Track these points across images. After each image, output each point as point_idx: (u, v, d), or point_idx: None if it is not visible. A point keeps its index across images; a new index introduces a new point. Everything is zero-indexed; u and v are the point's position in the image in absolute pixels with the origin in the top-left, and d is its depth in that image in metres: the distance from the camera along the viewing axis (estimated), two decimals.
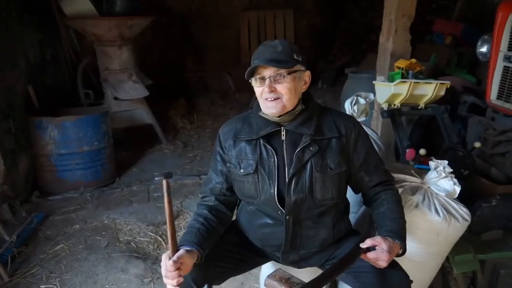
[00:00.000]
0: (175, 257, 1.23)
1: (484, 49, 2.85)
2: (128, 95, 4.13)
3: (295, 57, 1.38)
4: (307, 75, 1.45)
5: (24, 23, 3.66)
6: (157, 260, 2.56)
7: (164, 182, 1.23)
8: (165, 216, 2.92)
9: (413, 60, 2.62)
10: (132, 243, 2.73)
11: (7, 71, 3.28)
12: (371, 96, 2.23)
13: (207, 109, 5.79)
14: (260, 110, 1.46)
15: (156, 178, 3.65)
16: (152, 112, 4.49)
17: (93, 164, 3.52)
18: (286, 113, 1.42)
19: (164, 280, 1.25)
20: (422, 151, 2.36)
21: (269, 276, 1.37)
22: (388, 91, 2.49)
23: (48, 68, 4.09)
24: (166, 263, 1.22)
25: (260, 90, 1.40)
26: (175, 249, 1.26)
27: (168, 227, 1.25)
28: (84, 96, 4.25)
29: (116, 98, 4.12)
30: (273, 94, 1.37)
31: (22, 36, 3.62)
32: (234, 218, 1.67)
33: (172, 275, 1.21)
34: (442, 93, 2.51)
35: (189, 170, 3.96)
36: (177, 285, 1.23)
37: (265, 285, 1.38)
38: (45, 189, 3.44)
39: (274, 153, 1.43)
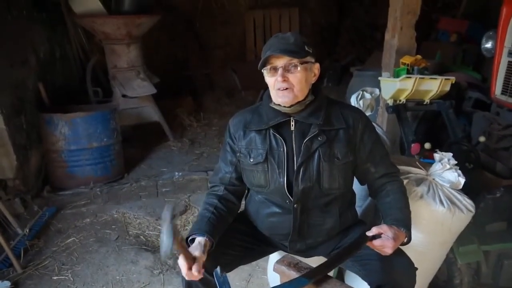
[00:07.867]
0: (197, 267, 1.26)
1: (488, 45, 2.87)
2: (136, 93, 4.17)
3: (306, 48, 1.42)
4: (316, 67, 1.49)
5: (34, 20, 3.73)
6: None
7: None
8: (174, 211, 3.00)
9: (418, 56, 2.64)
10: (142, 237, 2.78)
11: (18, 68, 3.33)
12: (377, 91, 2.26)
13: (213, 107, 5.82)
14: (271, 101, 1.49)
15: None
16: (159, 110, 4.54)
17: (102, 160, 3.57)
18: (297, 103, 1.45)
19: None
20: (427, 145, 2.39)
21: (277, 261, 1.41)
22: (393, 86, 2.51)
23: (58, 66, 4.16)
24: (190, 274, 1.27)
25: (272, 80, 1.43)
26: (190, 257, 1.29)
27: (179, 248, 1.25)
28: (93, 93, 4.30)
29: (124, 96, 4.17)
30: (285, 83, 1.40)
31: (32, 34, 3.68)
32: (242, 208, 1.71)
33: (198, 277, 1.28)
34: (447, 88, 2.52)
35: (196, 166, 4.01)
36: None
37: (274, 270, 1.41)
38: (56, 184, 3.50)
39: (284, 143, 1.46)
